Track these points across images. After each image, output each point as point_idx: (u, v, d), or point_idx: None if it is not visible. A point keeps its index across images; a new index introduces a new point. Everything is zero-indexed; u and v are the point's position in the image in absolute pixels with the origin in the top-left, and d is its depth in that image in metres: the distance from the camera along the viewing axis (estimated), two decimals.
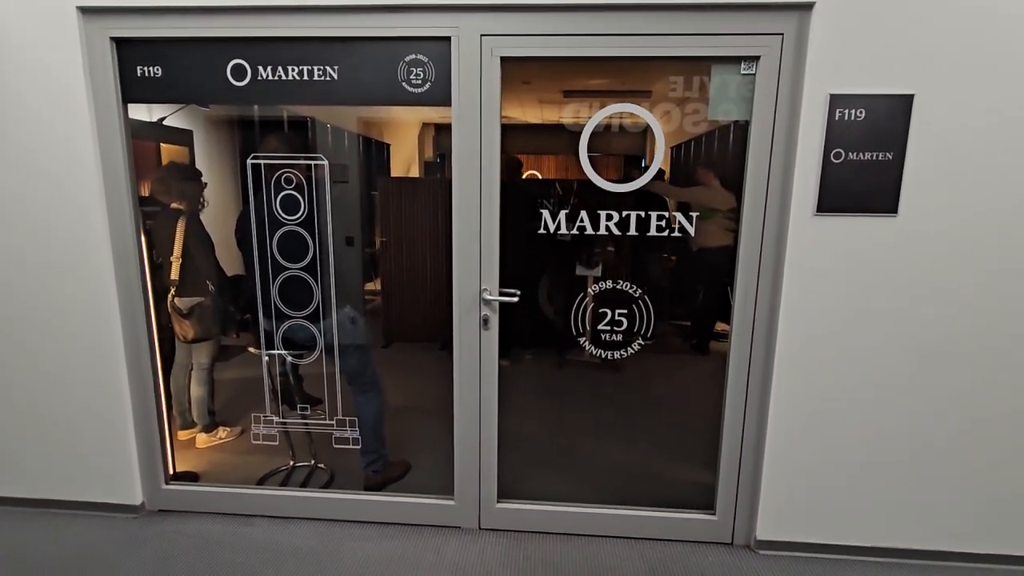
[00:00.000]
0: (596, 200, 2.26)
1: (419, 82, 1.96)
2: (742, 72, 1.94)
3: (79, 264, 2.11)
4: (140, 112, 2.65)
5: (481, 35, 1.89)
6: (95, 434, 2.24)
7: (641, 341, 2.31)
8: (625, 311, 2.28)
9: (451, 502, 2.24)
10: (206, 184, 2.74)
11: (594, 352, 2.33)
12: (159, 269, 2.53)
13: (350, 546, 2.13)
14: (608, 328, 2.30)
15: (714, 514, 2.18)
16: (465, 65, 1.91)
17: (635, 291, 2.28)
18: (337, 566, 2.02)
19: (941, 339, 1.92)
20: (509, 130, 2.41)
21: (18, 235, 2.10)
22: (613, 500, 2.27)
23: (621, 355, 2.30)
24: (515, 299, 2.19)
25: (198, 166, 3.77)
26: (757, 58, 1.88)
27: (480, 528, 2.25)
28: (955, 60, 1.75)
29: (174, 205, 2.56)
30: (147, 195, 2.41)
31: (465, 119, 1.96)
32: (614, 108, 2.19)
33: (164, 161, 3.37)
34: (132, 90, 2.04)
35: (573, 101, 2.68)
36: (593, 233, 2.29)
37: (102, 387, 2.20)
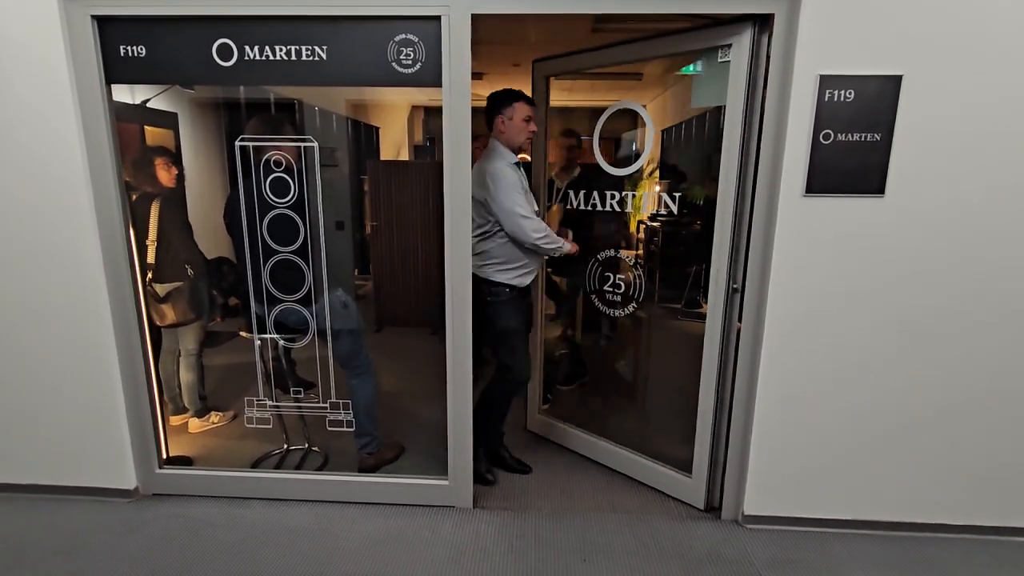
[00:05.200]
0: (599, 182, 2.45)
1: (409, 62, 1.94)
2: (730, 56, 1.94)
3: (66, 249, 2.08)
4: (123, 94, 2.60)
5: (472, 14, 1.87)
6: (87, 419, 2.23)
7: (635, 304, 2.49)
8: (623, 277, 2.51)
9: (445, 482, 2.27)
10: (178, 171, 2.68)
11: (602, 308, 2.59)
12: (142, 253, 2.49)
13: (346, 526, 2.16)
14: (611, 289, 2.54)
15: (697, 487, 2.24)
16: (456, 44, 1.89)
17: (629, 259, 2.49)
18: (334, 545, 2.05)
19: (927, 318, 1.96)
20: None
21: (2, 220, 2.07)
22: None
23: (621, 312, 2.52)
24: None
25: (183, 149, 3.72)
26: (749, 38, 1.88)
27: (474, 507, 2.28)
28: (943, 41, 1.77)
29: (147, 188, 2.52)
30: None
31: (456, 99, 1.94)
32: (618, 106, 2.39)
33: (148, 144, 3.31)
34: (116, 70, 2.00)
35: (564, 81, 2.67)
36: (588, 210, 2.50)
37: (92, 372, 2.19)
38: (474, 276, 2.21)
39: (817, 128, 1.84)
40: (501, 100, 2.25)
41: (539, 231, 2.18)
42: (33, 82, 1.95)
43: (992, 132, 1.82)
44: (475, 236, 2.22)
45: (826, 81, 1.80)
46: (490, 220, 2.23)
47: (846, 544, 2.09)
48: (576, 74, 2.52)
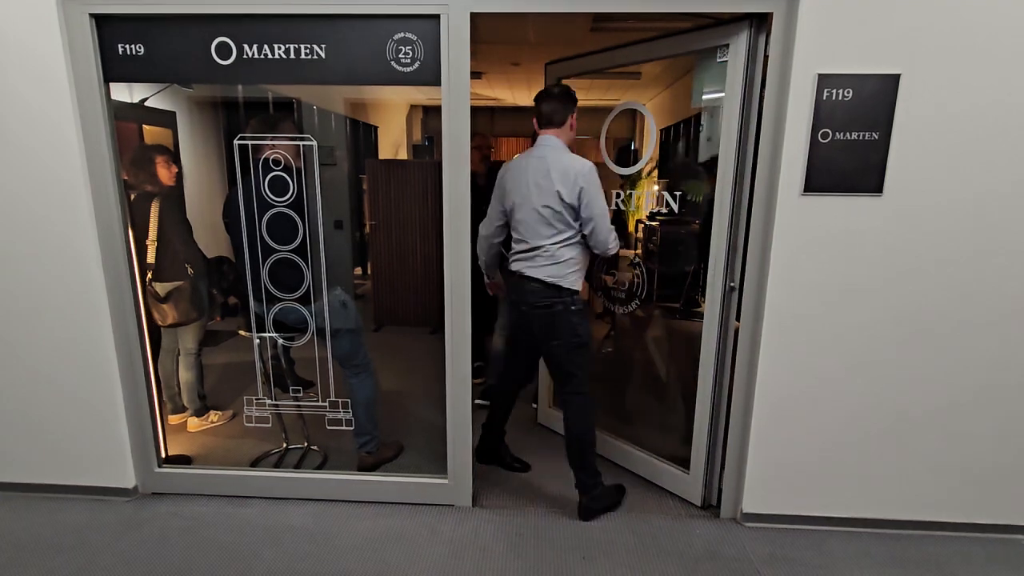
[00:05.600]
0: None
1: (408, 61, 1.94)
2: (727, 56, 1.95)
3: (65, 248, 2.08)
4: (121, 93, 2.60)
5: (471, 12, 1.87)
6: (86, 418, 2.23)
7: (637, 302, 2.53)
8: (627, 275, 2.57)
9: (444, 480, 2.27)
10: (179, 170, 2.69)
11: (607, 305, 2.65)
12: (141, 252, 2.49)
13: (346, 525, 2.16)
14: (615, 287, 2.58)
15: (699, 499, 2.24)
16: (455, 43, 1.89)
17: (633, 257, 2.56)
18: (334, 544, 2.05)
19: (925, 316, 1.97)
20: (497, 112, 2.44)
21: (1, 219, 2.06)
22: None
23: (626, 309, 2.57)
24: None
25: (182, 148, 3.72)
26: (745, 38, 1.89)
27: (474, 505, 2.28)
28: (941, 40, 1.77)
29: (147, 188, 2.52)
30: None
31: (455, 99, 1.94)
32: (623, 106, 2.44)
33: (147, 142, 3.30)
34: (114, 69, 1.99)
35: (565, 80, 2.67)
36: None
37: (91, 371, 2.19)
38: (553, 286, 2.05)
39: (815, 127, 1.84)
40: (573, 98, 2.10)
41: (615, 237, 2.06)
42: (31, 80, 1.95)
43: (990, 130, 1.82)
44: (557, 243, 2.03)
45: (824, 80, 1.81)
46: (575, 226, 2.03)
47: (844, 542, 2.09)
48: (584, 75, 2.54)
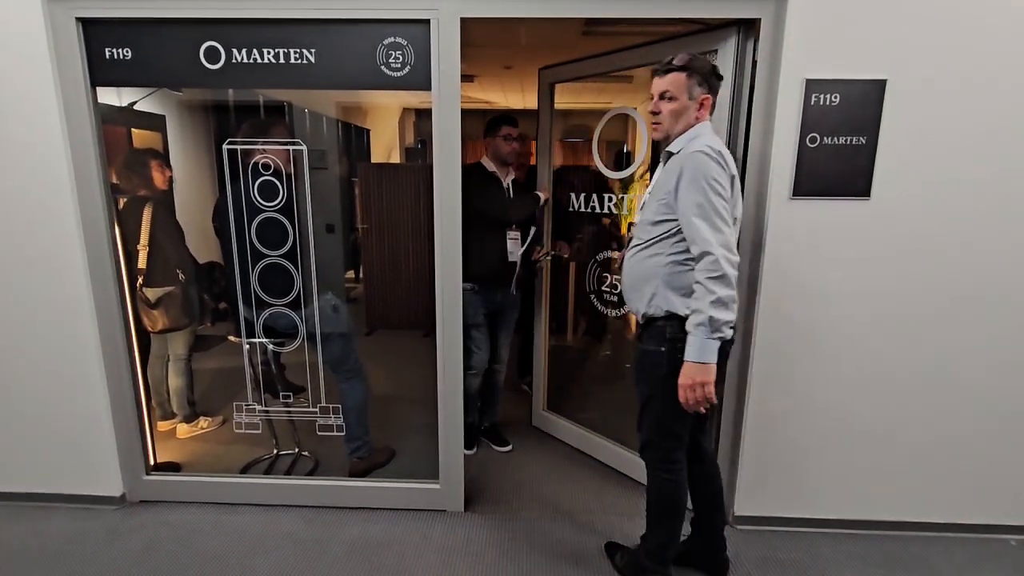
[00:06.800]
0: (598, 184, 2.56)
1: (398, 65, 1.93)
2: (716, 61, 1.96)
3: (50, 253, 2.06)
4: (110, 97, 2.57)
5: (461, 17, 1.87)
6: (72, 425, 2.20)
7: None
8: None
9: (436, 486, 2.26)
10: (172, 174, 2.67)
11: (600, 308, 2.66)
12: (132, 257, 2.47)
13: (337, 531, 2.14)
14: (608, 290, 2.59)
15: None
16: (445, 48, 1.89)
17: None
18: (324, 551, 2.04)
19: (912, 319, 1.98)
20: (490, 116, 2.46)
21: None
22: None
23: (617, 312, 2.59)
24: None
25: (171, 152, 3.69)
26: (733, 44, 1.90)
27: (466, 510, 2.28)
28: (926, 46, 1.79)
29: (140, 192, 2.50)
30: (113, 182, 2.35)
31: (446, 102, 1.94)
32: (616, 111, 2.51)
33: (138, 146, 3.28)
34: (101, 73, 1.97)
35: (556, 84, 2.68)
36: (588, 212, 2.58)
37: (78, 377, 2.16)
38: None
39: (804, 131, 1.86)
40: None
41: None
42: (17, 84, 1.92)
43: (976, 134, 1.84)
44: None
45: (812, 85, 1.82)
46: None
47: (834, 543, 2.10)
48: (577, 79, 2.56)
